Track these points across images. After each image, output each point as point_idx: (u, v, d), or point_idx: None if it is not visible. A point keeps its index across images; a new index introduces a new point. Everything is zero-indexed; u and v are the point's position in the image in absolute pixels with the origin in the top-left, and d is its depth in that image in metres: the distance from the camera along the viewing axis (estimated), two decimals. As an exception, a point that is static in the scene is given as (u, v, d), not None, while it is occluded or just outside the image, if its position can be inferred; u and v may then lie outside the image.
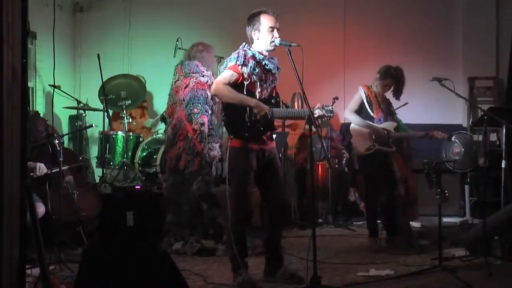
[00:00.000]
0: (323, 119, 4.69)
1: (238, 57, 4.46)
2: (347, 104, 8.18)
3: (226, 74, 4.46)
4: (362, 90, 5.95)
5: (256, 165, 4.52)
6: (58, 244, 5.07)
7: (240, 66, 4.42)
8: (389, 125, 5.94)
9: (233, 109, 4.44)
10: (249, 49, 4.52)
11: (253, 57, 4.47)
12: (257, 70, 4.47)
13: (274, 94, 4.68)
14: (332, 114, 4.64)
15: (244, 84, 4.44)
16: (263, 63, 4.51)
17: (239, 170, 4.49)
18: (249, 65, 4.43)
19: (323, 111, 4.58)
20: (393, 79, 5.92)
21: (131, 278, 3.47)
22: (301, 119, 4.73)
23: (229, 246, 4.54)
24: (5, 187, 2.82)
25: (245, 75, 4.43)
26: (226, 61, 4.57)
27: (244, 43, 4.57)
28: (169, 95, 6.33)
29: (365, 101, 5.92)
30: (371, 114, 5.91)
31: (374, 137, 5.84)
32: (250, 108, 4.41)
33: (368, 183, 6.11)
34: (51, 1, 4.08)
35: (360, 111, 5.93)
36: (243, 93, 4.43)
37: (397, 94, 6.00)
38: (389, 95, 6.11)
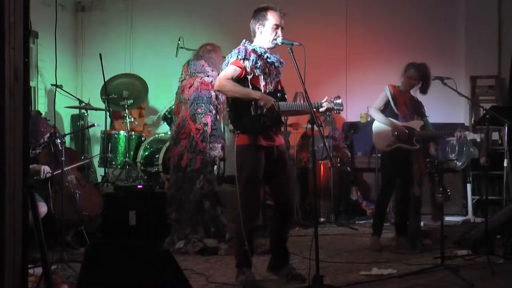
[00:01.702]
0: (330, 113, 4.64)
1: (239, 52, 4.44)
2: (349, 103, 8.23)
3: (229, 69, 4.44)
4: (388, 89, 5.96)
5: (266, 163, 4.47)
6: (60, 243, 5.08)
7: (242, 60, 4.41)
8: (414, 123, 5.94)
9: (238, 104, 4.41)
10: (250, 44, 4.52)
11: (254, 51, 4.46)
12: (259, 63, 4.44)
13: (279, 88, 4.64)
14: (341, 108, 4.58)
15: (247, 78, 4.42)
16: (265, 56, 4.49)
17: (248, 168, 4.44)
18: (251, 58, 4.41)
19: (332, 104, 4.54)
20: (414, 69, 5.91)
21: (133, 277, 3.47)
22: (307, 113, 4.59)
23: (237, 243, 4.53)
24: (7, 186, 2.83)
25: (248, 69, 4.41)
26: (228, 57, 4.54)
27: (244, 40, 4.56)
28: (176, 94, 6.34)
29: (390, 99, 5.92)
30: (395, 111, 5.91)
31: (396, 134, 5.83)
32: (255, 101, 4.37)
33: (384, 181, 6.09)
34: (53, 1, 4.08)
35: (385, 109, 5.95)
36: (247, 87, 4.41)
37: (425, 90, 6.00)
38: (420, 97, 6.11)
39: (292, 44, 4.38)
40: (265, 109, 4.37)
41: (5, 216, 2.81)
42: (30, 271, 3.90)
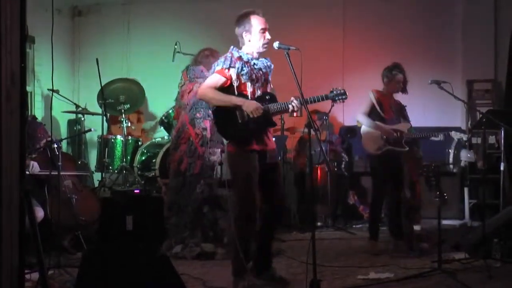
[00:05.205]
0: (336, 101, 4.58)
1: (224, 60, 4.42)
2: (345, 107, 8.23)
3: (213, 78, 4.44)
4: (372, 94, 5.99)
5: (259, 166, 4.43)
6: (57, 248, 5.06)
7: (227, 69, 4.39)
8: (402, 126, 5.96)
9: (223, 113, 4.40)
10: (237, 51, 4.49)
11: (240, 58, 4.43)
12: (245, 70, 4.41)
13: (268, 91, 4.61)
14: (345, 96, 4.49)
15: (233, 86, 4.40)
16: (252, 62, 4.47)
17: (242, 173, 4.40)
18: (237, 66, 4.39)
19: (334, 95, 4.50)
20: (402, 74, 5.96)
21: (130, 282, 3.47)
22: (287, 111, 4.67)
23: (234, 249, 4.48)
24: (3, 192, 2.82)
25: (234, 77, 4.39)
26: (214, 65, 4.53)
27: (232, 46, 4.54)
28: (176, 99, 6.35)
29: (375, 103, 5.95)
30: (382, 115, 5.94)
31: (384, 137, 5.86)
32: (240, 108, 4.36)
33: (376, 184, 6.10)
34: (49, 5, 4.09)
35: (372, 113, 5.97)
36: (233, 95, 4.40)
37: (405, 89, 6.04)
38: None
39: (289, 49, 4.36)
40: (252, 115, 4.33)
41: (1, 221, 2.80)
42: (27, 276, 3.90)
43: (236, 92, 4.41)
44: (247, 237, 4.45)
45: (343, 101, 4.56)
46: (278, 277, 4.61)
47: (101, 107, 7.51)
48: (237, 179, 4.47)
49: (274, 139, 6.49)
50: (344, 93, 4.52)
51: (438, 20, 8.90)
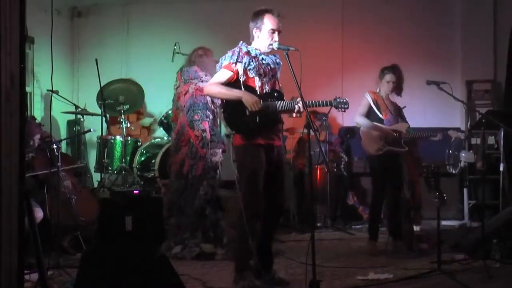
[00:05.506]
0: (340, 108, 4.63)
1: (232, 55, 4.44)
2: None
3: (219, 73, 4.47)
4: (369, 95, 6.00)
5: (266, 162, 4.43)
6: (56, 249, 5.06)
7: (234, 64, 4.41)
8: (400, 126, 5.97)
9: (232, 105, 4.41)
10: (245, 46, 4.51)
11: (248, 53, 4.45)
12: (252, 65, 4.43)
13: (277, 88, 4.63)
14: (347, 106, 4.60)
15: (240, 80, 4.42)
16: (260, 57, 4.49)
17: (248, 167, 4.39)
18: (244, 60, 4.41)
19: (337, 103, 4.60)
20: (393, 74, 5.95)
21: (130, 282, 3.47)
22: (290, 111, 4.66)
23: (237, 246, 4.49)
24: (3, 192, 2.82)
25: (240, 72, 4.41)
26: (221, 59, 4.54)
27: (242, 41, 4.56)
28: (173, 101, 6.35)
29: (372, 104, 5.96)
30: (380, 116, 5.95)
31: (384, 138, 5.86)
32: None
33: (375, 185, 6.11)
34: (49, 6, 4.09)
35: (369, 114, 5.97)
36: (240, 89, 4.40)
37: (398, 90, 6.03)
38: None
39: (288, 49, 4.37)
40: (250, 108, 4.33)
41: (1, 222, 2.81)
42: (26, 276, 3.89)
43: (242, 87, 4.42)
44: (251, 233, 4.40)
45: (344, 111, 4.62)
46: (278, 278, 4.61)
47: (100, 107, 7.51)
48: (242, 175, 4.46)
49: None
50: (347, 103, 4.61)
51: (437, 20, 8.90)
